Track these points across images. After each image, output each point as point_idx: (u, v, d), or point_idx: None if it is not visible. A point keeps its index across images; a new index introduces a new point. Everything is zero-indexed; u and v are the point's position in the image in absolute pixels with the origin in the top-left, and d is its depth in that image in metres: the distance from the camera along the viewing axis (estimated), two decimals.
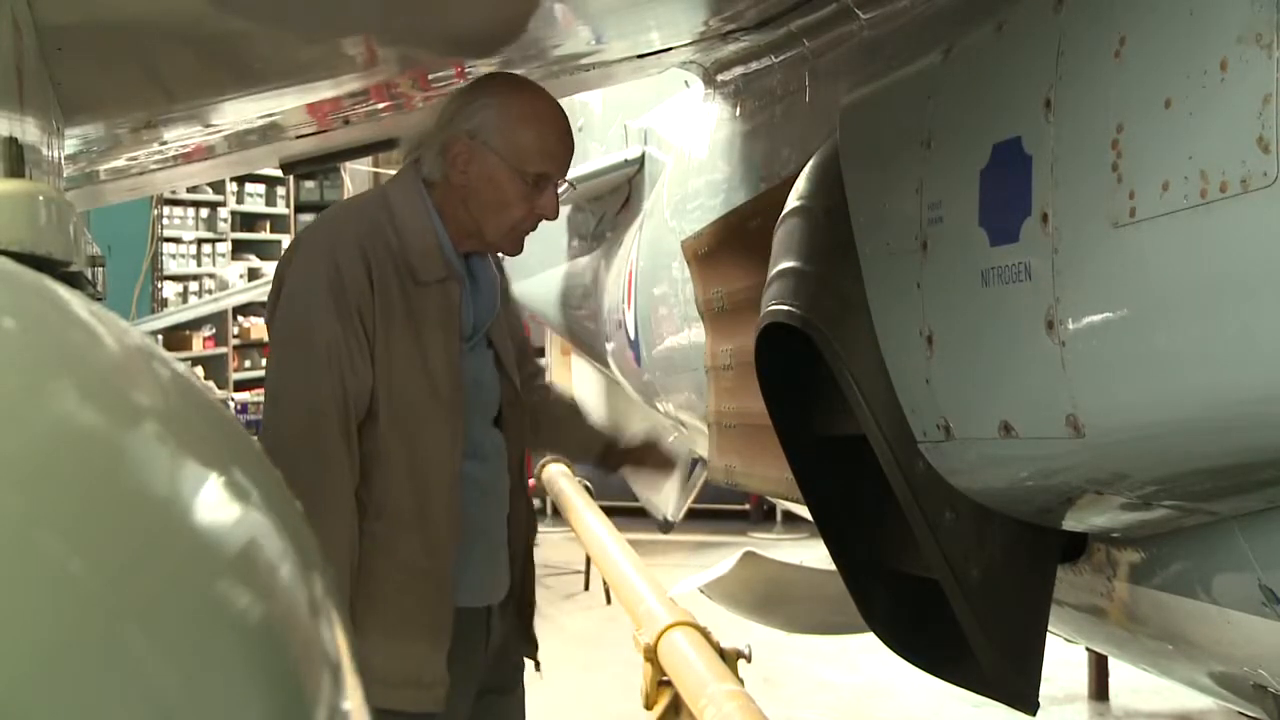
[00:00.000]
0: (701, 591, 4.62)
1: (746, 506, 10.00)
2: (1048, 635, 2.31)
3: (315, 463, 2.29)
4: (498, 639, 2.59)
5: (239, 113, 3.83)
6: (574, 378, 7.54)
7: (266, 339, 11.82)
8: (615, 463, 3.02)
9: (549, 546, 9.46)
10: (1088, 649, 4.97)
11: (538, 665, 2.77)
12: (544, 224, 2.59)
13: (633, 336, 4.77)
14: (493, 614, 2.56)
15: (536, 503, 9.65)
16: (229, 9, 2.57)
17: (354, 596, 2.31)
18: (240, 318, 12.13)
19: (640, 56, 3.84)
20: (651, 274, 4.50)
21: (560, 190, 2.55)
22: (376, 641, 2.29)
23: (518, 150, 2.44)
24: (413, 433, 2.37)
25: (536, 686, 2.93)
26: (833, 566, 2.71)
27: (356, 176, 13.83)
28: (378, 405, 2.36)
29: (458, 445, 2.43)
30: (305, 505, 2.30)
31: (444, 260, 2.43)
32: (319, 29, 2.86)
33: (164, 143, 4.17)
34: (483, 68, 3.61)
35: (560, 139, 2.51)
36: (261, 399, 9.70)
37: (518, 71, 3.55)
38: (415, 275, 2.39)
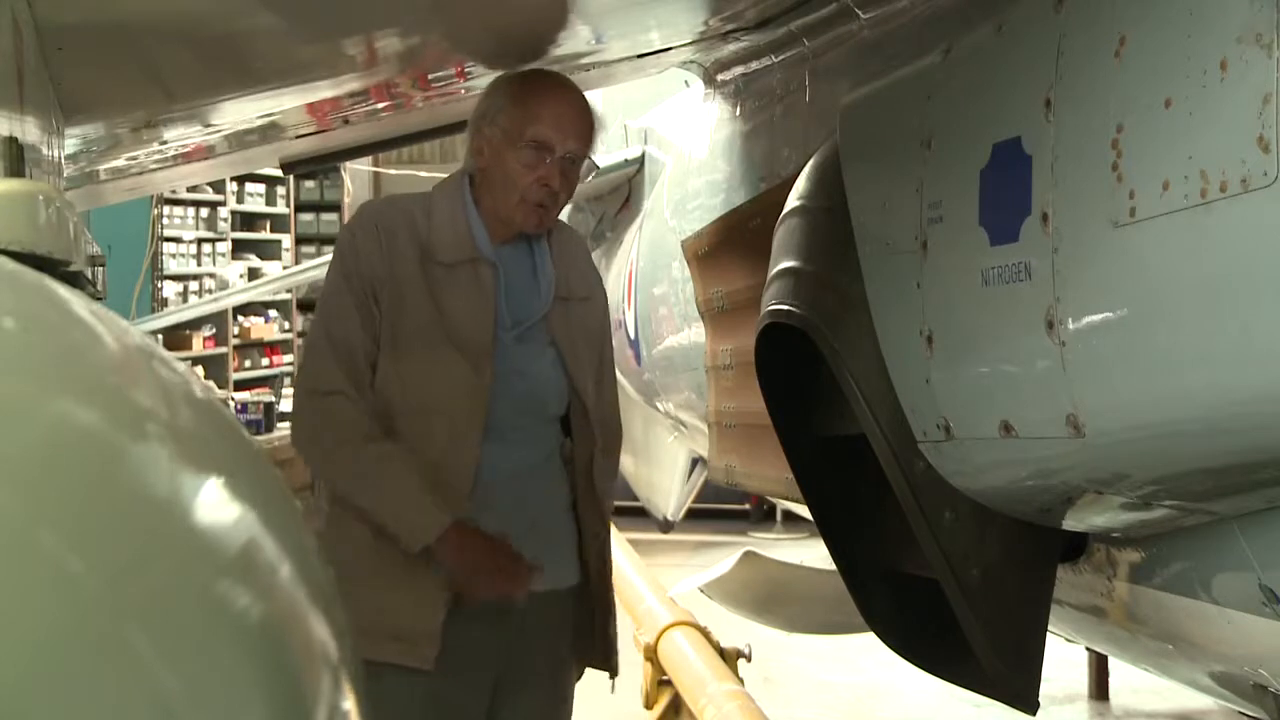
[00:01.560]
0: (702, 591, 4.63)
1: (747, 506, 9.99)
2: (1048, 635, 2.31)
3: (319, 394, 2.50)
4: (532, 630, 2.56)
5: (239, 112, 3.83)
6: None
7: (266, 339, 11.67)
8: None
9: None
10: (1088, 649, 4.96)
11: (613, 673, 2.77)
12: None
13: (633, 336, 4.77)
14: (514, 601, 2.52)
15: None
16: (229, 9, 2.57)
17: (341, 544, 2.42)
18: (240, 317, 12.11)
19: (640, 56, 3.84)
20: (651, 274, 4.50)
21: (582, 165, 2.66)
22: (362, 588, 2.35)
23: (515, 121, 2.55)
24: (416, 399, 2.47)
25: None
26: (833, 566, 2.71)
27: (357, 176, 13.82)
28: (384, 367, 2.50)
29: (475, 421, 2.47)
30: (321, 435, 2.26)
31: (472, 244, 2.55)
32: (321, 30, 2.86)
33: (164, 142, 4.17)
34: (483, 67, 3.62)
35: (557, 107, 2.57)
36: (261, 399, 9.71)
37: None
38: (436, 256, 2.52)
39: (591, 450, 2.63)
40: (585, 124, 2.61)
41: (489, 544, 2.44)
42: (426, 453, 2.45)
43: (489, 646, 2.50)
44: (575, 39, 3.40)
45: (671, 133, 4.87)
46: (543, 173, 2.53)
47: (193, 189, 11.13)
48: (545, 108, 2.55)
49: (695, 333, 3.87)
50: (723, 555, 4.92)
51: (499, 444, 2.50)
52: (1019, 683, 2.25)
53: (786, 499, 3.38)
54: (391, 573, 2.42)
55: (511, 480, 2.53)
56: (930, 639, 2.50)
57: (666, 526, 6.00)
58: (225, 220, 12.00)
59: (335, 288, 2.55)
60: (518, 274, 2.58)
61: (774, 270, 2.62)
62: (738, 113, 3.82)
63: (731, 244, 3.44)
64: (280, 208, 13.00)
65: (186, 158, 4.83)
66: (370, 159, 12.98)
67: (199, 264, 11.64)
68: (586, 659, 2.72)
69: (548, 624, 2.59)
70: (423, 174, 12.11)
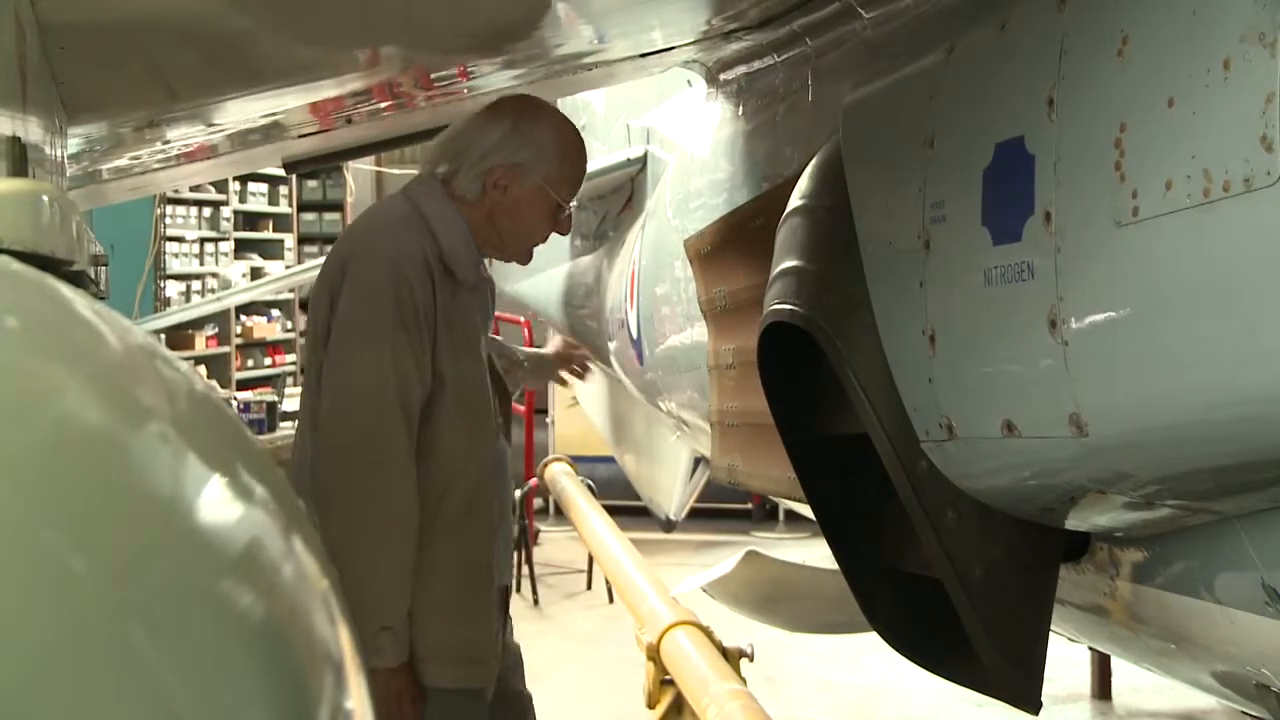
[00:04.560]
0: (704, 590, 4.62)
1: (749, 505, 10.00)
2: (1050, 634, 2.31)
3: (382, 461, 2.46)
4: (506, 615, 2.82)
5: (241, 112, 3.83)
6: None
7: (269, 339, 11.66)
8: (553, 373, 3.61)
9: (551, 545, 9.46)
10: (1090, 648, 4.96)
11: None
12: None
13: (635, 336, 4.77)
14: (509, 592, 2.83)
15: (539, 502, 9.69)
16: (232, 8, 2.57)
17: (427, 574, 2.50)
18: (243, 317, 12.12)
19: (643, 55, 3.84)
20: (654, 273, 4.50)
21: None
22: (439, 624, 2.52)
23: (558, 181, 2.70)
24: (471, 426, 2.58)
25: (539, 685, 2.94)
26: (835, 566, 2.71)
27: (359, 176, 13.82)
28: (442, 402, 2.53)
29: (496, 434, 2.68)
30: (369, 496, 2.40)
31: (477, 266, 2.65)
32: (324, 29, 2.86)
33: (166, 142, 4.17)
34: (486, 67, 3.62)
35: (582, 170, 2.81)
36: (263, 398, 9.76)
37: (521, 71, 3.56)
38: (458, 281, 2.59)
39: (508, 427, 2.85)
40: None
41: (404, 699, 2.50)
42: (477, 474, 2.58)
43: (501, 634, 2.73)
44: (578, 38, 3.41)
45: (674, 132, 4.86)
46: (561, 224, 2.76)
47: (195, 188, 11.15)
48: (577, 172, 2.77)
49: (698, 332, 3.87)
50: (725, 555, 4.92)
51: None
52: (1021, 682, 2.25)
53: (789, 498, 3.38)
54: (469, 601, 2.58)
55: (504, 472, 2.76)
56: (933, 638, 2.50)
57: (669, 526, 6.01)
58: (228, 220, 12.02)
59: (390, 334, 2.47)
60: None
61: (776, 270, 2.62)
62: (740, 112, 3.81)
63: (734, 243, 3.44)
64: (283, 207, 13.02)
65: (189, 157, 4.83)
66: (373, 158, 12.98)
67: (201, 263, 11.66)
68: None
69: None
70: None
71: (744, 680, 3.49)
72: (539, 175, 2.67)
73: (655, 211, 4.70)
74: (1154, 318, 1.68)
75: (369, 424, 2.46)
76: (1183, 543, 2.09)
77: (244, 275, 12.05)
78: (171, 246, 11.26)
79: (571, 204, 2.76)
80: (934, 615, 2.43)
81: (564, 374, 3.70)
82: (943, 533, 2.21)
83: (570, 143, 2.79)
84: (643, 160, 5.23)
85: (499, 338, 3.52)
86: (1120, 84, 1.70)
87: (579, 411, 8.00)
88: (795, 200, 2.65)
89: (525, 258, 2.79)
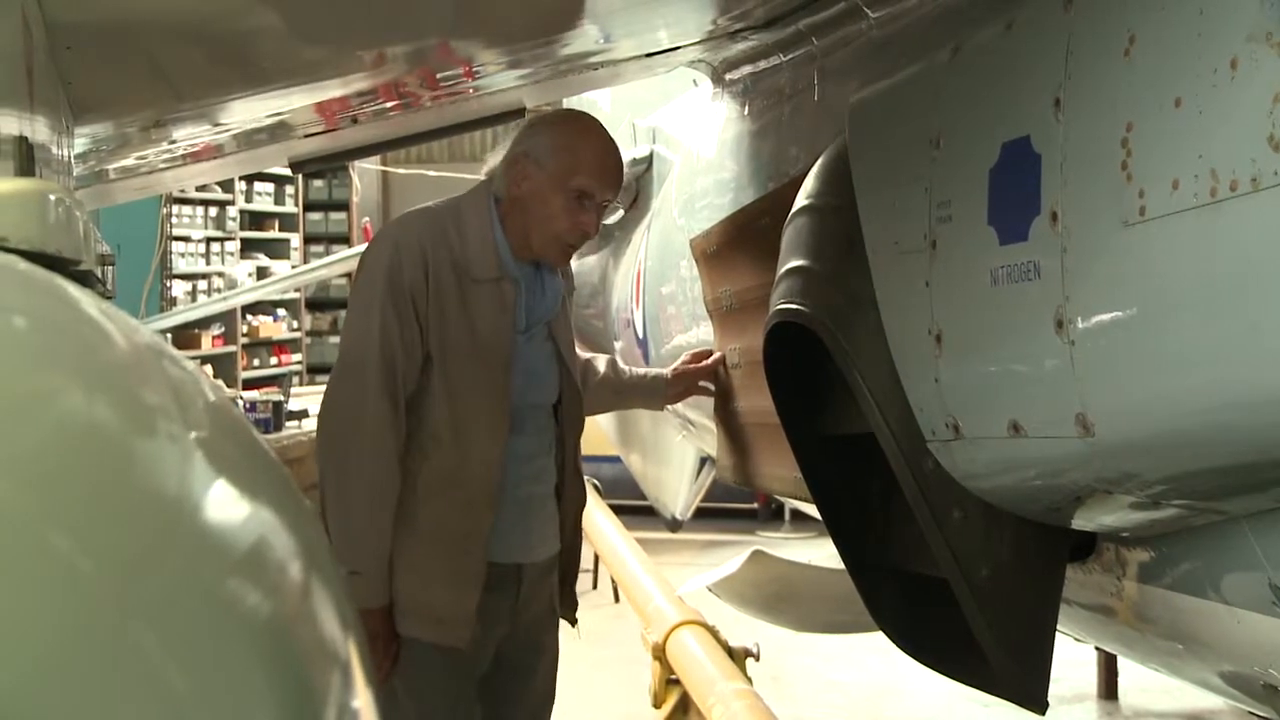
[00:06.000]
0: (710, 590, 4.62)
1: (755, 505, 9.98)
2: (1057, 634, 2.31)
3: (357, 420, 2.66)
4: (528, 595, 2.86)
5: (247, 112, 3.83)
6: None
7: (275, 338, 11.64)
8: (676, 397, 3.59)
9: None
10: (1097, 648, 4.96)
11: (574, 622, 3.08)
12: None
13: (641, 335, 4.77)
14: (523, 571, 2.84)
15: None
16: (238, 8, 2.57)
17: (401, 534, 2.68)
18: (249, 316, 12.13)
19: (648, 55, 3.84)
20: (660, 273, 4.50)
21: (606, 209, 2.90)
22: (409, 580, 2.69)
23: (561, 167, 2.76)
24: (460, 405, 2.70)
25: None
26: (841, 565, 2.71)
27: (365, 175, 13.83)
28: (431, 379, 2.71)
29: (503, 420, 2.74)
30: (342, 451, 2.49)
31: (499, 263, 2.77)
32: (330, 29, 2.86)
33: (173, 142, 4.17)
34: (492, 66, 3.62)
35: (600, 160, 2.81)
36: (269, 398, 9.81)
37: (527, 70, 3.57)
38: (470, 273, 2.74)
39: (578, 431, 2.97)
40: (620, 174, 2.88)
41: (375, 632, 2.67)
42: (465, 452, 2.71)
43: (500, 609, 2.79)
44: (584, 38, 3.41)
45: (679, 132, 4.86)
46: (582, 219, 2.80)
47: (201, 188, 11.17)
48: (591, 159, 2.80)
49: (703, 332, 3.87)
50: (731, 554, 4.92)
51: (518, 435, 2.78)
52: (1028, 682, 2.25)
53: (795, 498, 3.38)
54: (441, 565, 2.70)
55: (525, 466, 2.82)
56: (939, 638, 2.50)
57: (675, 525, 6.00)
58: (234, 219, 12.03)
59: (379, 305, 2.69)
60: (530, 284, 2.83)
61: (782, 269, 2.62)
62: (746, 112, 3.81)
63: (740, 243, 3.44)
64: (289, 207, 13.04)
65: (195, 157, 4.83)
66: (378, 158, 12.99)
67: (208, 263, 11.67)
68: (560, 612, 3.04)
69: (541, 586, 2.91)
70: (431, 173, 12.13)
71: (749, 680, 3.50)
72: (543, 164, 2.77)
73: (661, 211, 4.70)
74: (1161, 318, 1.68)
75: (348, 384, 2.69)
76: (1189, 543, 2.09)
77: (250, 275, 12.06)
78: (178, 246, 11.27)
79: (596, 199, 2.79)
80: (940, 615, 2.42)
81: (703, 384, 3.60)
82: (949, 532, 2.21)
83: (579, 129, 2.86)
84: (648, 160, 5.24)
85: (612, 358, 3.62)
86: (1127, 84, 1.70)
87: None
88: (801, 200, 2.65)
89: (557, 254, 2.84)
